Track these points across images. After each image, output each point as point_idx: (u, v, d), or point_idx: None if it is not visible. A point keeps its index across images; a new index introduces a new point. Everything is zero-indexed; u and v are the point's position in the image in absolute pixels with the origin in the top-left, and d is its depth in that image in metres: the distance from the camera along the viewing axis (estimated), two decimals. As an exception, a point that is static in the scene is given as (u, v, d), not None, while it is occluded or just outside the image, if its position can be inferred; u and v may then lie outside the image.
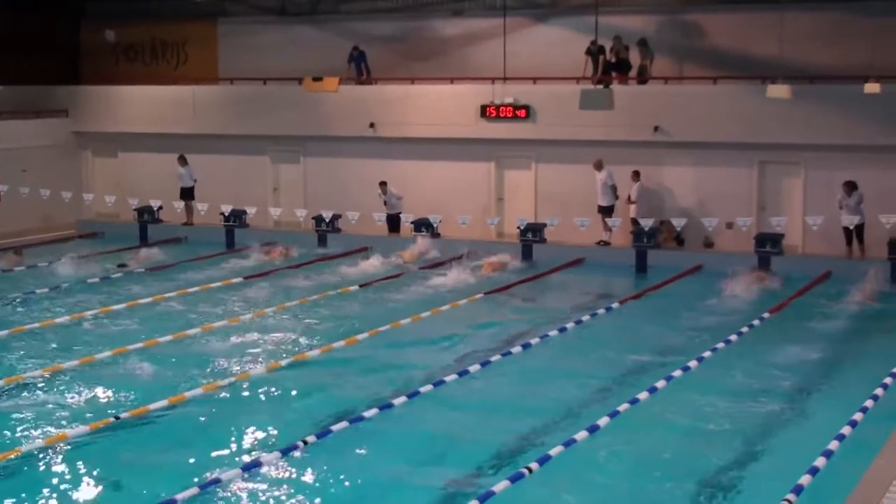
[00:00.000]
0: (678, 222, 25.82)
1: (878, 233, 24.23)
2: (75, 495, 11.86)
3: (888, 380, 15.50)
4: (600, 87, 26.91)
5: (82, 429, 13.60)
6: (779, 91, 24.07)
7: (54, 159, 32.73)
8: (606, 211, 27.08)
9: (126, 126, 33.05)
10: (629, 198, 26.96)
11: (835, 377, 16.74)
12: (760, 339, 18.62)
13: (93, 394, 15.47)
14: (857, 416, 13.92)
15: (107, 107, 33.30)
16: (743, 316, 20.16)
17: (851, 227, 24.74)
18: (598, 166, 27.05)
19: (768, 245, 25.19)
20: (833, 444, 12.54)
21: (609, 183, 26.97)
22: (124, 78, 34.09)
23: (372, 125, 29.83)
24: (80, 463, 12.78)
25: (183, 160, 30.93)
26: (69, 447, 13.17)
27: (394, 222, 28.94)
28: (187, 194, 30.81)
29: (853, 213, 24.74)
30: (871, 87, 23.51)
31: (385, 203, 29.04)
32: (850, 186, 24.77)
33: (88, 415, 14.32)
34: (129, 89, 33.18)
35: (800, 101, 24.66)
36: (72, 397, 15.34)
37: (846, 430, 13.17)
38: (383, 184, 29.08)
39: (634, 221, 26.61)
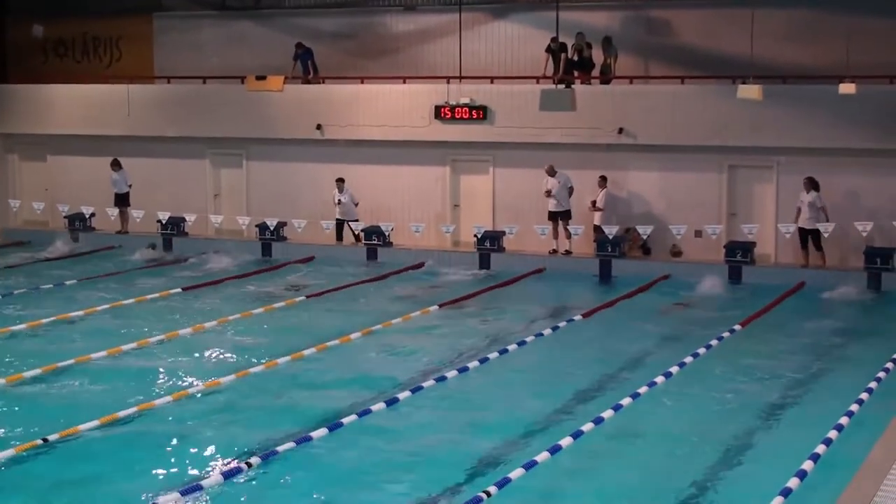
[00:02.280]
0: (644, 230, 25.92)
1: (855, 241, 24.40)
2: None
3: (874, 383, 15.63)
4: (561, 86, 26.96)
5: (7, 453, 13.41)
6: (749, 91, 24.14)
7: (-22, 163, 32.45)
8: (563, 216, 27.11)
9: (55, 127, 32.77)
10: (594, 204, 26.98)
11: (812, 387, 16.93)
12: (729, 352, 18.71)
13: (19, 414, 15.29)
14: (846, 417, 14.12)
15: (35, 107, 32.98)
16: (711, 329, 20.23)
17: (808, 228, 24.92)
18: (551, 172, 27.00)
19: (739, 254, 25.34)
20: (820, 448, 12.61)
21: (567, 185, 27.00)
22: (54, 76, 33.77)
23: (319, 127, 29.73)
24: (4, 488, 12.63)
25: (116, 164, 30.71)
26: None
27: (340, 228, 28.83)
28: (122, 201, 30.60)
29: (811, 214, 24.95)
30: (847, 88, 23.63)
31: (338, 203, 28.91)
32: (811, 183, 24.96)
33: (13, 440, 14.12)
34: (59, 88, 32.89)
35: (772, 102, 24.76)
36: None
37: (832, 433, 13.23)
38: (340, 181, 28.96)
39: (598, 229, 26.65)
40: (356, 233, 28.95)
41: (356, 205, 29.17)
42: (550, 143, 27.44)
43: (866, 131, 24.80)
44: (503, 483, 12.17)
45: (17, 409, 15.64)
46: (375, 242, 28.28)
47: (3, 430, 14.54)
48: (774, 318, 21.53)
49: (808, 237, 25.13)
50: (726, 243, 25.71)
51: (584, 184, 27.13)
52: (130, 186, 30.71)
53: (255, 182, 31.28)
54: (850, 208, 24.86)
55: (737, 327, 20.24)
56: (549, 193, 26.98)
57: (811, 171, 25.29)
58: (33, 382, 16.88)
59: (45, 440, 13.79)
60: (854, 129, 24.88)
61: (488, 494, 11.85)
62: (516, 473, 12.48)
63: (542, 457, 13.09)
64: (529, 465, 12.76)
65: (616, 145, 27.12)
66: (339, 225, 28.89)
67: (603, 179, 26.92)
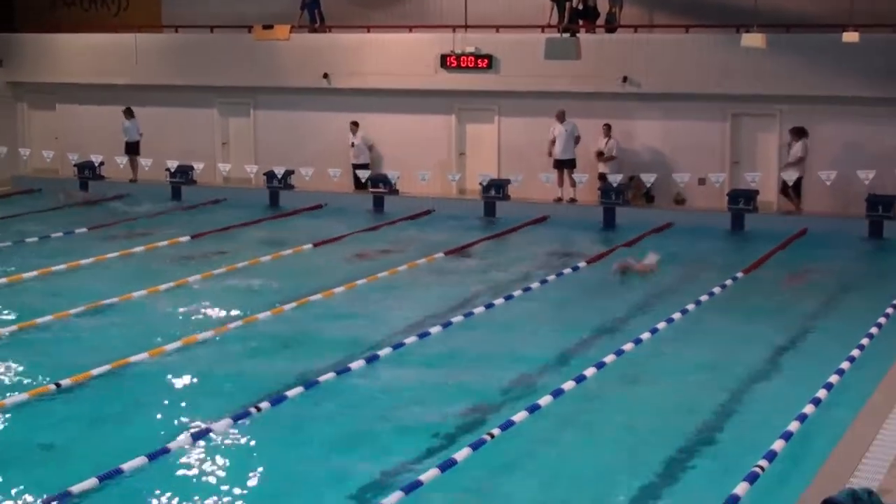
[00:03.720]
0: (648, 178, 25.92)
1: (857, 188, 24.39)
2: (11, 463, 11.83)
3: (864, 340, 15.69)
4: (566, 35, 26.91)
5: (21, 396, 13.53)
6: (753, 40, 24.02)
7: (-12, 112, 32.44)
8: (568, 164, 27.12)
9: (64, 76, 32.75)
10: (601, 153, 26.92)
11: (814, 332, 17.06)
12: (734, 299, 18.79)
13: (33, 359, 15.40)
14: (847, 361, 14.26)
15: (43, 56, 32.95)
16: (713, 277, 20.29)
17: (790, 183, 24.95)
18: (561, 118, 27.02)
19: (742, 202, 25.34)
20: (808, 408, 12.66)
21: (574, 134, 26.98)
22: (62, 25, 33.69)
23: (326, 76, 29.69)
24: (18, 431, 12.75)
25: (129, 113, 30.75)
26: (8, 415, 13.13)
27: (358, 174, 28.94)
28: (132, 149, 30.64)
29: (794, 164, 25.01)
30: (850, 37, 23.55)
31: (352, 145, 28.96)
32: (798, 133, 25.00)
33: (27, 381, 14.23)
34: (68, 37, 32.83)
35: (775, 50, 24.66)
36: (11, 363, 15.29)
37: (821, 393, 13.30)
38: (355, 124, 28.99)
39: (603, 177, 26.64)
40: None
41: (370, 148, 29.22)
42: (555, 91, 27.36)
43: (869, 80, 24.71)
44: (507, 426, 12.29)
45: (29, 353, 15.78)
46: (382, 190, 28.31)
47: (19, 374, 14.68)
48: (776, 263, 21.57)
49: (790, 185, 25.28)
50: (729, 191, 25.70)
51: (588, 132, 27.10)
52: (141, 135, 30.72)
53: (262, 130, 31.26)
54: (853, 156, 24.81)
55: (739, 274, 20.30)
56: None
57: (814, 119, 25.31)
58: (44, 329, 17.00)
59: (57, 385, 13.91)
60: (857, 77, 24.79)
61: (492, 436, 11.98)
62: (520, 416, 12.60)
63: (545, 400, 13.20)
64: (533, 409, 12.88)
65: (620, 94, 27.06)
66: (357, 169, 28.95)
67: (608, 128, 26.87)
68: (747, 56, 24.87)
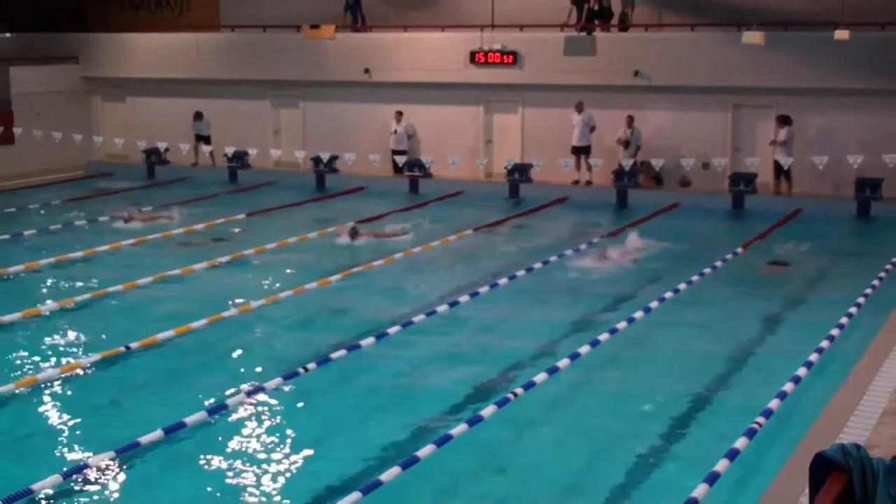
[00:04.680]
0: (657, 163, 25.81)
1: (846, 171, 24.21)
2: (86, 419, 11.91)
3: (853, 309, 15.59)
4: (583, 34, 26.81)
5: (94, 357, 13.59)
6: (753, 37, 23.92)
7: (65, 104, 32.45)
8: (585, 150, 27.03)
9: (133, 72, 32.80)
10: (627, 143, 26.70)
11: (808, 299, 17.04)
12: (734, 271, 18.71)
13: (104, 325, 15.49)
14: (837, 328, 14.27)
15: (114, 54, 33.02)
16: (716, 248, 20.17)
17: (786, 167, 24.76)
18: (579, 108, 26.92)
19: (742, 184, 25.21)
20: (801, 371, 12.60)
21: (590, 123, 26.88)
22: (130, 25, 33.74)
23: (367, 71, 29.63)
24: (93, 389, 12.84)
25: (199, 116, 30.82)
26: (83, 374, 13.20)
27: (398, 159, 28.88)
28: (205, 142, 30.78)
29: (786, 150, 24.82)
30: (841, 34, 23.36)
31: (394, 132, 28.96)
32: (783, 121, 24.90)
33: (100, 344, 14.30)
34: (135, 36, 32.87)
35: (773, 47, 24.54)
36: (85, 329, 15.38)
37: (813, 357, 13.23)
38: (399, 113, 28.99)
39: (637, 165, 26.44)
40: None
41: (410, 136, 29.19)
42: (573, 84, 27.23)
43: (859, 73, 24.51)
44: (528, 385, 12.27)
45: (102, 319, 15.87)
46: (417, 174, 28.28)
47: (92, 337, 14.77)
48: (773, 240, 21.45)
49: (782, 169, 25.12)
50: (730, 174, 25.56)
51: (604, 122, 26.99)
52: (210, 131, 30.84)
53: (310, 120, 31.26)
54: (843, 142, 24.62)
55: (739, 249, 20.20)
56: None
57: (808, 109, 25.17)
58: (115, 296, 17.09)
59: (127, 347, 13.97)
60: (847, 71, 24.57)
61: (515, 395, 11.97)
62: (540, 377, 12.59)
63: (563, 363, 13.18)
64: (552, 370, 12.86)
65: (632, 87, 26.91)
66: (396, 155, 28.93)
67: (630, 119, 26.70)
68: (747, 52, 24.73)
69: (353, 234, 21.03)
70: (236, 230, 22.72)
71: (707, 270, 18.34)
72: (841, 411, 10.68)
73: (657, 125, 27.01)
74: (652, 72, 26.61)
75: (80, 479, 10.06)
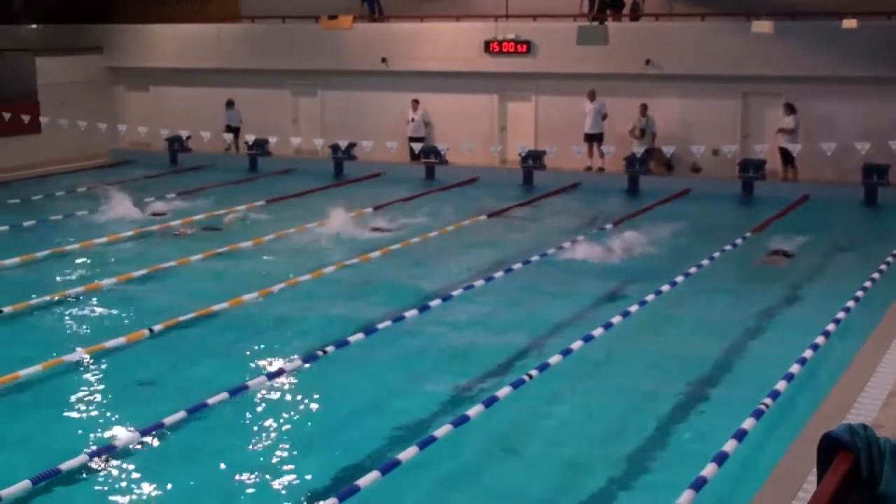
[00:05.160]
0: (668, 149, 25.75)
1: (854, 158, 24.09)
2: (111, 398, 11.97)
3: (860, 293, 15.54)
4: (596, 23, 26.75)
5: (120, 340, 13.64)
6: (762, 27, 23.86)
7: (90, 93, 32.52)
8: (597, 138, 26.97)
9: (156, 62, 32.84)
10: (642, 132, 26.62)
11: (818, 279, 17.07)
12: (743, 255, 18.65)
13: (129, 309, 15.54)
14: (843, 312, 14.13)
15: (138, 44, 33.05)
16: (727, 234, 20.09)
17: (794, 154, 24.65)
18: (591, 96, 26.88)
19: (751, 170, 25.14)
20: (808, 353, 12.56)
21: (602, 111, 26.82)
22: (153, 16, 33.75)
23: (384, 60, 29.61)
24: (118, 371, 12.89)
25: (230, 104, 30.87)
26: (108, 356, 13.25)
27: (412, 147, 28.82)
28: (236, 132, 30.80)
29: (792, 137, 24.74)
30: (849, 23, 23.30)
31: (411, 121, 28.93)
32: (789, 108, 24.85)
33: (124, 327, 14.34)
34: (159, 27, 32.91)
35: (781, 36, 24.48)
36: (110, 312, 15.44)
37: (820, 339, 13.19)
38: (415, 101, 28.97)
39: (649, 151, 26.32)
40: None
41: (426, 124, 29.17)
42: (586, 73, 27.17)
43: (865, 62, 24.41)
44: (543, 367, 12.27)
45: (126, 302, 15.93)
46: (433, 161, 28.26)
47: (116, 321, 14.82)
48: (781, 225, 21.38)
49: (788, 156, 25.04)
50: (740, 161, 25.48)
51: (615, 110, 26.93)
52: (242, 123, 30.85)
53: (328, 108, 31.26)
54: (851, 129, 24.49)
55: (748, 234, 20.14)
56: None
57: (817, 97, 25.09)
58: (140, 282, 17.14)
59: (150, 330, 14.01)
60: (854, 59, 24.48)
61: (531, 377, 11.97)
62: (554, 359, 12.59)
63: (577, 345, 13.17)
64: (566, 352, 12.85)
65: (643, 75, 26.84)
66: (412, 142, 28.86)
67: (644, 107, 26.61)
68: (756, 41, 24.66)
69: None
70: (239, 218, 22.69)
71: (716, 254, 18.30)
72: (848, 392, 10.67)
73: (668, 113, 26.92)
74: (663, 61, 26.53)
75: (105, 459, 10.10)
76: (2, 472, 9.58)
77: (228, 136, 30.71)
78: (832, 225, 21.58)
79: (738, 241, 19.55)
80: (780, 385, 11.33)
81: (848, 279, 16.49)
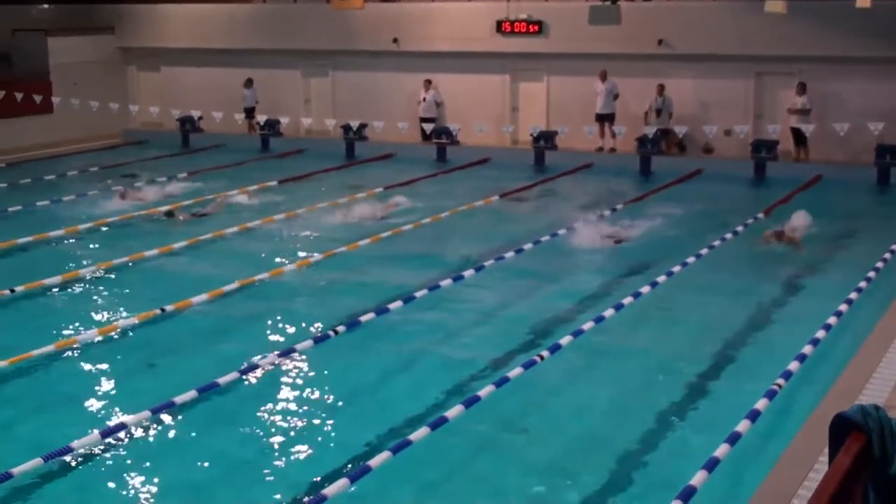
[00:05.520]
0: (680, 129, 25.66)
1: (867, 138, 23.96)
2: (122, 377, 12.00)
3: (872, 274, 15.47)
4: (608, 3, 26.57)
5: (132, 320, 13.65)
6: (775, 6, 23.69)
7: (102, 73, 32.49)
8: (608, 118, 26.90)
9: (168, 42, 32.81)
10: (658, 112, 26.49)
11: (829, 261, 17.00)
12: (755, 236, 18.54)
13: (141, 289, 15.56)
14: (855, 292, 14.16)
15: (149, 24, 33.02)
16: (738, 215, 20.00)
17: (807, 134, 24.53)
18: (603, 77, 26.81)
19: (763, 151, 25.03)
20: (820, 333, 12.50)
21: (614, 92, 26.74)
22: (165, -2, 33.76)
23: (395, 40, 29.52)
24: (129, 350, 12.92)
25: (249, 83, 30.85)
26: (120, 336, 13.27)
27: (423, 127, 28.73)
28: (249, 113, 30.77)
29: (804, 117, 24.65)
30: (863, 2, 23.05)
31: (423, 100, 28.88)
32: (802, 88, 24.81)
33: (136, 309, 14.35)
34: (170, 7, 32.85)
35: (795, 15, 24.28)
36: (123, 291, 15.48)
37: (832, 320, 13.13)
38: (427, 81, 28.91)
39: (665, 132, 26.16)
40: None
41: (438, 104, 29.09)
42: (598, 53, 27.06)
43: (879, 41, 24.24)
44: (554, 349, 12.25)
45: (136, 283, 15.96)
46: (445, 141, 28.19)
47: (125, 300, 14.85)
48: (794, 206, 21.28)
49: (800, 136, 24.94)
50: (752, 141, 25.36)
51: (627, 89, 26.83)
52: (258, 103, 30.82)
53: (339, 89, 31.20)
54: (864, 109, 24.33)
55: (760, 215, 20.05)
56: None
57: (830, 77, 24.95)
58: (154, 259, 17.15)
59: (162, 310, 14.02)
60: (868, 39, 24.31)
61: (542, 358, 11.95)
62: (565, 340, 12.56)
63: (588, 325, 13.14)
64: (577, 333, 12.81)
65: (656, 55, 26.72)
66: (423, 122, 28.76)
67: (661, 87, 26.48)
68: (769, 21, 24.51)
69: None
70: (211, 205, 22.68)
71: (728, 235, 18.22)
72: (860, 373, 10.63)
73: (681, 93, 26.77)
74: (676, 40, 26.41)
75: (117, 438, 10.13)
76: (13, 450, 9.61)
77: (240, 117, 30.61)
78: (844, 205, 21.47)
79: (750, 221, 19.44)
80: (793, 366, 11.29)
81: (860, 260, 16.40)
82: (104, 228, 19.52)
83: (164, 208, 20.75)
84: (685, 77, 26.72)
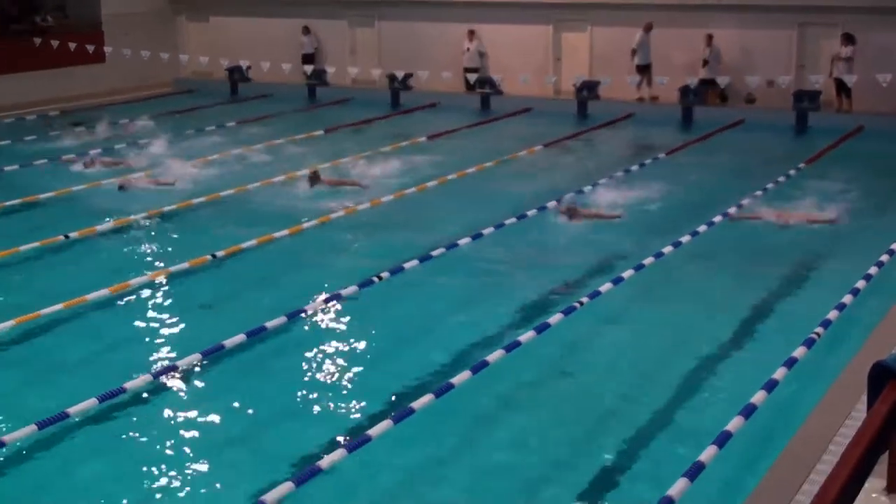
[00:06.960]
0: (722, 80, 25.36)
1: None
2: (175, 318, 12.15)
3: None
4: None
5: (182, 266, 13.75)
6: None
7: (152, 24, 32.55)
8: (648, 69, 26.70)
9: (216, -8, 32.88)
10: (704, 63, 26.20)
11: (868, 210, 16.79)
12: (796, 186, 18.31)
13: (190, 236, 15.68)
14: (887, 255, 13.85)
15: (198, -25, 33.05)
16: (779, 165, 19.76)
17: (850, 85, 24.17)
18: (648, 28, 26.57)
19: (805, 101, 24.74)
20: (860, 283, 12.37)
21: (648, 43, 26.56)
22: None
23: (442, -10, 29.44)
24: (180, 295, 13.07)
25: (306, 30, 30.95)
26: (172, 282, 13.39)
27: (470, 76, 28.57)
28: (308, 60, 30.81)
29: (848, 67, 24.31)
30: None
31: (466, 51, 28.73)
32: (847, 38, 24.41)
33: (187, 252, 14.45)
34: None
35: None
36: (173, 237, 15.61)
37: (873, 269, 13.00)
38: (471, 31, 28.75)
39: (711, 82, 25.82)
40: None
41: (482, 55, 28.93)
42: (641, 3, 26.82)
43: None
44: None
45: (186, 229, 16.09)
46: (488, 91, 28.06)
47: (179, 247, 14.97)
48: (836, 156, 21.03)
49: (843, 87, 24.59)
50: (794, 91, 25.05)
51: (670, 40, 26.57)
52: (317, 49, 30.82)
53: (385, 39, 31.10)
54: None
55: (802, 165, 19.82)
56: (633, 52, 26.67)
57: (873, 27, 24.58)
58: (200, 208, 17.25)
59: (213, 256, 14.10)
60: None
61: (581, 304, 11.93)
62: (605, 287, 12.52)
63: (628, 273, 13.07)
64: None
65: (700, 6, 26.39)
66: (467, 72, 28.59)
67: (709, 37, 26.18)
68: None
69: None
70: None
71: (769, 185, 18.01)
72: (899, 323, 10.55)
73: (724, 43, 26.43)
74: (719, -9, 26.10)
75: (168, 379, 10.26)
76: (70, 391, 9.76)
77: (307, 68, 30.59)
78: (887, 156, 21.18)
79: (792, 172, 19.20)
80: (832, 314, 11.19)
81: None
82: (157, 174, 19.63)
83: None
84: (729, 28, 26.38)
